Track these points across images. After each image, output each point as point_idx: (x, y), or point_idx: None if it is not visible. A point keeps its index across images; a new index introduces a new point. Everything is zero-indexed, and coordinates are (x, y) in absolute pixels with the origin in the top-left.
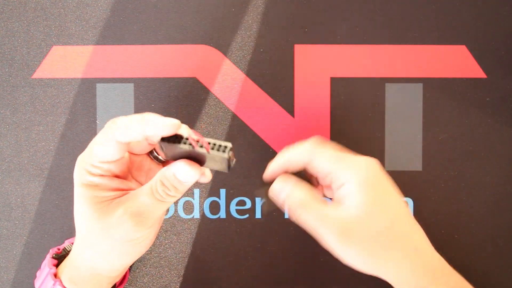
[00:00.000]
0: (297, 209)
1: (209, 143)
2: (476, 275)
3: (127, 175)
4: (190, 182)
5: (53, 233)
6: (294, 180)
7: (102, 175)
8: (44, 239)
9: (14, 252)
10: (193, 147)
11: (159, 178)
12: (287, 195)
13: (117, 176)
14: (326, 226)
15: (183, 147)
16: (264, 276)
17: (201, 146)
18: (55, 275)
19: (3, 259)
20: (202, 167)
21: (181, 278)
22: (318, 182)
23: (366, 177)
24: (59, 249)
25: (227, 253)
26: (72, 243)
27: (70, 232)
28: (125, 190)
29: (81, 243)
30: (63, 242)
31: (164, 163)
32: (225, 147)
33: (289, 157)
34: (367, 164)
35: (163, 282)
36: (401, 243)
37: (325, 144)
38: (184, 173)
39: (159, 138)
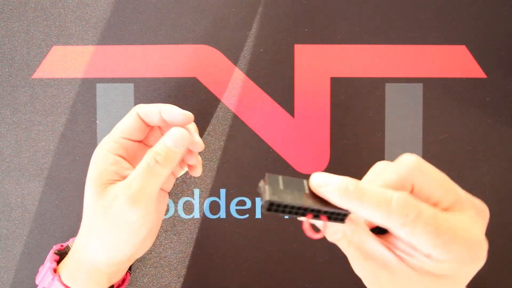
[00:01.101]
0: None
1: (325, 214)
2: (476, 275)
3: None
4: (180, 147)
5: (53, 233)
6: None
7: (117, 154)
8: (44, 239)
9: (14, 252)
10: (307, 218)
11: (151, 150)
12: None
13: (128, 160)
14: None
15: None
16: (264, 276)
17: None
18: (55, 271)
19: (3, 259)
20: (191, 135)
21: (181, 278)
22: None
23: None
24: (62, 246)
25: (227, 253)
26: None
27: (70, 232)
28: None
29: (83, 231)
30: (68, 240)
31: None
32: (344, 215)
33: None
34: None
35: (163, 282)
36: None
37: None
38: (175, 136)
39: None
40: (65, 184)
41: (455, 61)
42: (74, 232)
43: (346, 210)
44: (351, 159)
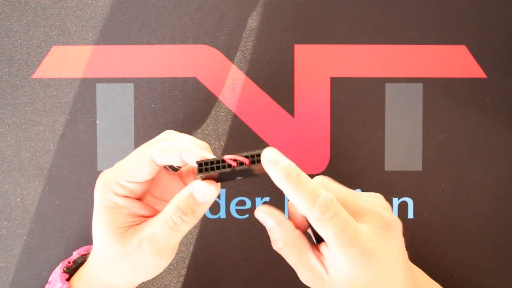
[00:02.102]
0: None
1: (246, 157)
2: (476, 275)
3: (146, 194)
4: (209, 201)
5: (53, 233)
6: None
7: (125, 196)
8: (44, 239)
9: (14, 252)
10: (233, 167)
11: (175, 203)
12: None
13: (137, 199)
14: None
15: (225, 171)
16: (264, 276)
17: (241, 164)
18: None
19: (3, 259)
20: (218, 183)
21: (181, 278)
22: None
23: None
24: (69, 262)
25: (227, 253)
26: (80, 254)
27: (70, 232)
28: (144, 217)
29: (99, 263)
30: (71, 254)
31: (177, 170)
32: (258, 155)
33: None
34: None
35: (163, 282)
36: None
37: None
38: (203, 192)
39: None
40: (65, 184)
41: (455, 61)
42: (74, 232)
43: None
44: (351, 159)
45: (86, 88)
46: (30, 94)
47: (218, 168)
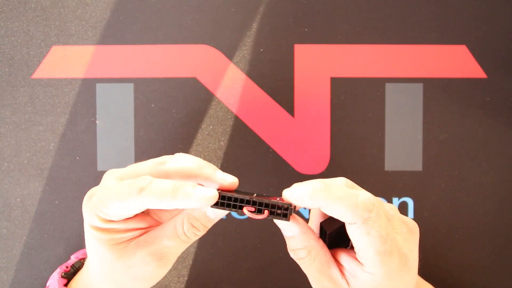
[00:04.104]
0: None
1: (268, 209)
2: (476, 275)
3: None
4: (220, 216)
5: (53, 233)
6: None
7: (115, 221)
8: (44, 239)
9: (14, 252)
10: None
11: (187, 220)
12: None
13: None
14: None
15: (238, 213)
16: (264, 276)
17: (259, 211)
18: None
19: (3, 259)
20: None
21: (181, 278)
22: None
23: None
24: (67, 267)
25: (227, 253)
26: (78, 258)
27: (70, 232)
28: (143, 229)
29: (96, 277)
30: (69, 258)
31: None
32: (286, 208)
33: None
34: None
35: (163, 282)
36: None
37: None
38: (218, 212)
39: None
40: (65, 184)
41: (455, 61)
42: (74, 232)
43: (289, 204)
44: (351, 159)
45: (86, 88)
46: (30, 94)
47: (234, 207)
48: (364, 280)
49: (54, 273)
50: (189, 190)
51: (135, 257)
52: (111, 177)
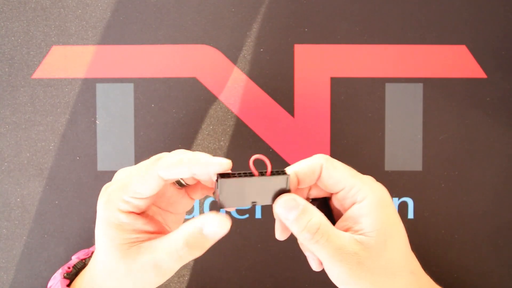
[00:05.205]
0: (315, 235)
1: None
2: (476, 275)
3: (150, 206)
4: (220, 236)
5: (53, 233)
6: (304, 200)
7: (130, 212)
8: (44, 239)
9: (14, 252)
10: (253, 175)
11: (183, 238)
12: (308, 219)
13: (142, 212)
14: (341, 258)
15: (247, 179)
16: (264, 276)
17: (262, 174)
18: None
19: (3, 259)
20: (229, 218)
21: (181, 278)
22: None
23: (381, 199)
24: (69, 268)
25: (227, 253)
26: (80, 258)
27: (70, 232)
28: (148, 233)
29: (101, 273)
30: (70, 259)
31: (185, 187)
32: (282, 171)
33: (306, 164)
34: (380, 186)
35: (163, 282)
36: (404, 270)
37: (334, 160)
38: (215, 229)
39: (213, 176)
40: (65, 184)
41: (455, 61)
42: (74, 232)
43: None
44: (351, 159)
45: (86, 88)
46: (30, 94)
47: (239, 175)
48: (362, 213)
49: (56, 274)
50: (203, 156)
51: (136, 262)
52: (121, 172)
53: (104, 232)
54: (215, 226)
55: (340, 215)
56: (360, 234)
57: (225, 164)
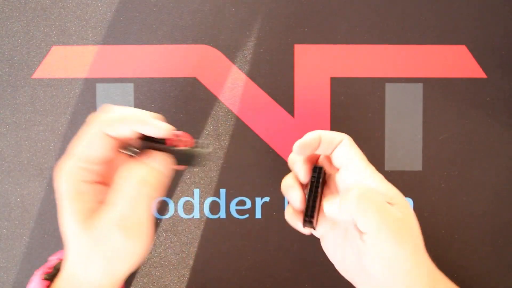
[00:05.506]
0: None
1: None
2: (476, 275)
3: (111, 179)
4: (167, 172)
5: (53, 233)
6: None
7: (90, 182)
8: (44, 239)
9: (14, 252)
10: (176, 146)
11: (136, 179)
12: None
13: (103, 184)
14: (371, 200)
15: (170, 148)
16: (264, 276)
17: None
18: None
19: (3, 259)
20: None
21: (181, 278)
22: None
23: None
24: (49, 268)
25: (227, 253)
26: (60, 259)
27: None
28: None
29: (74, 260)
30: (47, 261)
31: (137, 154)
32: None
33: (330, 133)
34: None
35: (163, 282)
36: (413, 236)
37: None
38: (160, 160)
39: (137, 135)
40: None
41: (455, 61)
42: None
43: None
44: None
45: (86, 88)
46: (30, 94)
47: (158, 142)
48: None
49: (33, 277)
50: (146, 114)
51: (100, 228)
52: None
53: (68, 207)
54: (160, 159)
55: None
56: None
57: (166, 130)
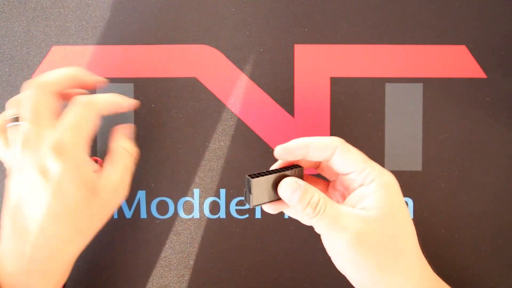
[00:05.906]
0: (316, 209)
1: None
2: (476, 275)
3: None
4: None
5: None
6: (304, 181)
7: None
8: None
9: None
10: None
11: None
12: (310, 196)
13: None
14: (339, 228)
15: (271, 176)
16: (264, 276)
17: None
18: None
19: None
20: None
21: (181, 278)
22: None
23: (389, 184)
24: None
25: (227, 253)
26: None
27: None
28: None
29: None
30: None
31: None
32: (296, 165)
33: (317, 141)
34: (390, 174)
35: (163, 282)
36: (410, 254)
37: (348, 144)
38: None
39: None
40: None
41: (455, 61)
42: None
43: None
44: None
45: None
46: None
47: (265, 174)
48: (367, 192)
49: None
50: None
51: (106, 193)
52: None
53: (75, 183)
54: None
55: (343, 196)
56: (361, 209)
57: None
